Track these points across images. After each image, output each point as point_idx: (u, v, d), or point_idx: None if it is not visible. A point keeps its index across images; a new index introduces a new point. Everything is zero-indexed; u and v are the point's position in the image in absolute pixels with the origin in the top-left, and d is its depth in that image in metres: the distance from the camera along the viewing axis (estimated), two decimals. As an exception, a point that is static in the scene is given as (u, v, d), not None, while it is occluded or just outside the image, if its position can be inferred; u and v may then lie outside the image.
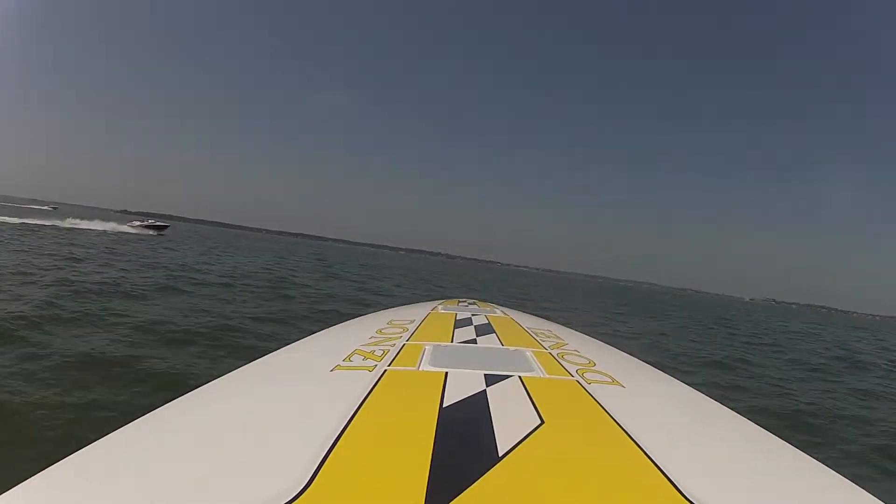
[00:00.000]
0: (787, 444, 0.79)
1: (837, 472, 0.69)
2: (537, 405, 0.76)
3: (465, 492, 0.51)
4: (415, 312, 1.79)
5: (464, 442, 0.62)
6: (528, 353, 1.14)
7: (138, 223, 35.61)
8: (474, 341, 1.27)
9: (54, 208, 79.68)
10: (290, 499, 0.49)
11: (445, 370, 0.92)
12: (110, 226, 30.73)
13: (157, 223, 37.58)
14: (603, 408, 0.79)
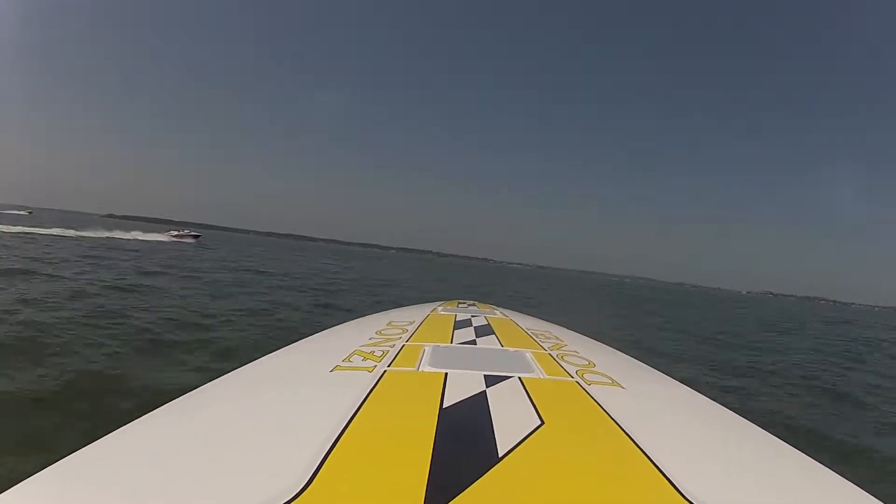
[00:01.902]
0: (788, 444, 0.80)
1: (838, 473, 0.69)
2: (537, 406, 0.77)
3: (464, 492, 0.51)
4: (414, 313, 1.80)
5: (464, 442, 0.63)
6: (528, 354, 1.14)
7: (176, 233, 38.04)
8: (474, 342, 1.28)
9: (30, 213, 75.11)
10: (289, 499, 0.49)
11: (445, 371, 0.92)
12: (153, 236, 32.63)
13: (193, 233, 40.33)
14: (603, 409, 0.80)
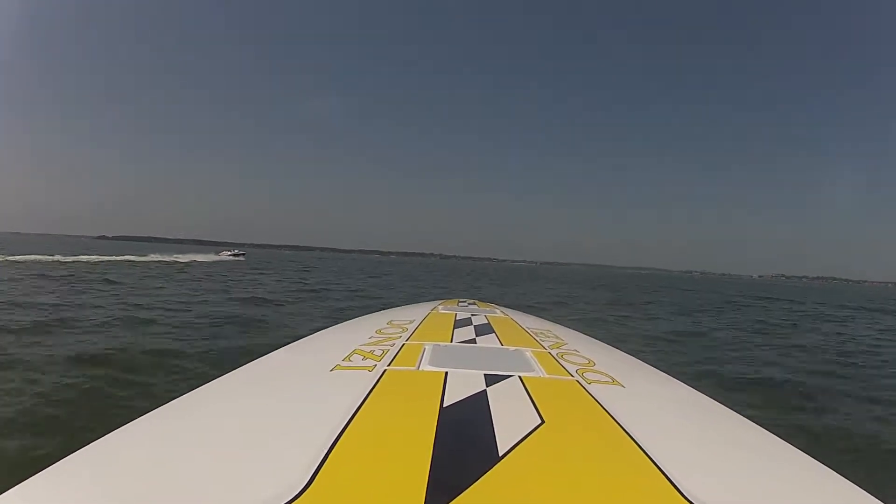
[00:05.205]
0: (788, 443, 0.79)
1: (838, 472, 0.69)
2: (537, 405, 0.77)
3: (465, 492, 0.51)
4: (414, 312, 1.82)
5: (464, 442, 0.63)
6: (528, 353, 1.14)
7: (227, 252, 41.55)
8: (474, 341, 1.28)
9: None
10: (290, 499, 0.49)
11: (445, 370, 0.92)
12: (211, 256, 36.18)
13: (240, 252, 44.23)
14: (603, 408, 0.79)
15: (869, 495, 0.64)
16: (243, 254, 44.29)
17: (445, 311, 1.90)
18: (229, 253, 41.82)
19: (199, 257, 32.66)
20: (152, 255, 28.82)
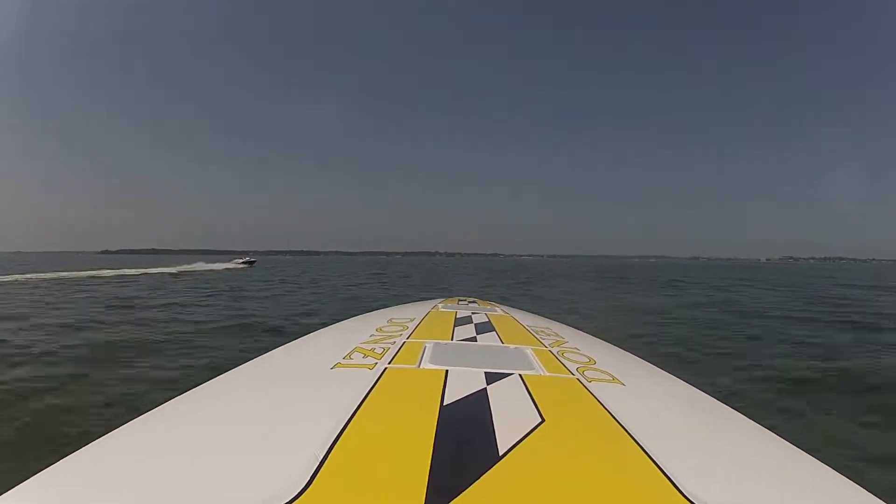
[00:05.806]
0: (788, 442, 0.79)
1: (838, 471, 0.69)
2: (538, 403, 0.76)
3: (465, 491, 0.51)
4: (415, 311, 1.81)
5: (464, 440, 0.63)
6: (529, 351, 1.14)
7: (239, 260, 41.57)
8: (474, 339, 1.28)
9: None
10: (289, 499, 0.49)
11: (446, 368, 0.92)
12: (229, 264, 36.62)
13: (251, 259, 43.86)
14: (603, 406, 0.79)
15: (870, 495, 0.63)
16: (253, 261, 42.86)
17: (446, 309, 1.89)
18: (240, 261, 40.44)
19: (153, 270, 28.46)
20: (100, 271, 25.26)
